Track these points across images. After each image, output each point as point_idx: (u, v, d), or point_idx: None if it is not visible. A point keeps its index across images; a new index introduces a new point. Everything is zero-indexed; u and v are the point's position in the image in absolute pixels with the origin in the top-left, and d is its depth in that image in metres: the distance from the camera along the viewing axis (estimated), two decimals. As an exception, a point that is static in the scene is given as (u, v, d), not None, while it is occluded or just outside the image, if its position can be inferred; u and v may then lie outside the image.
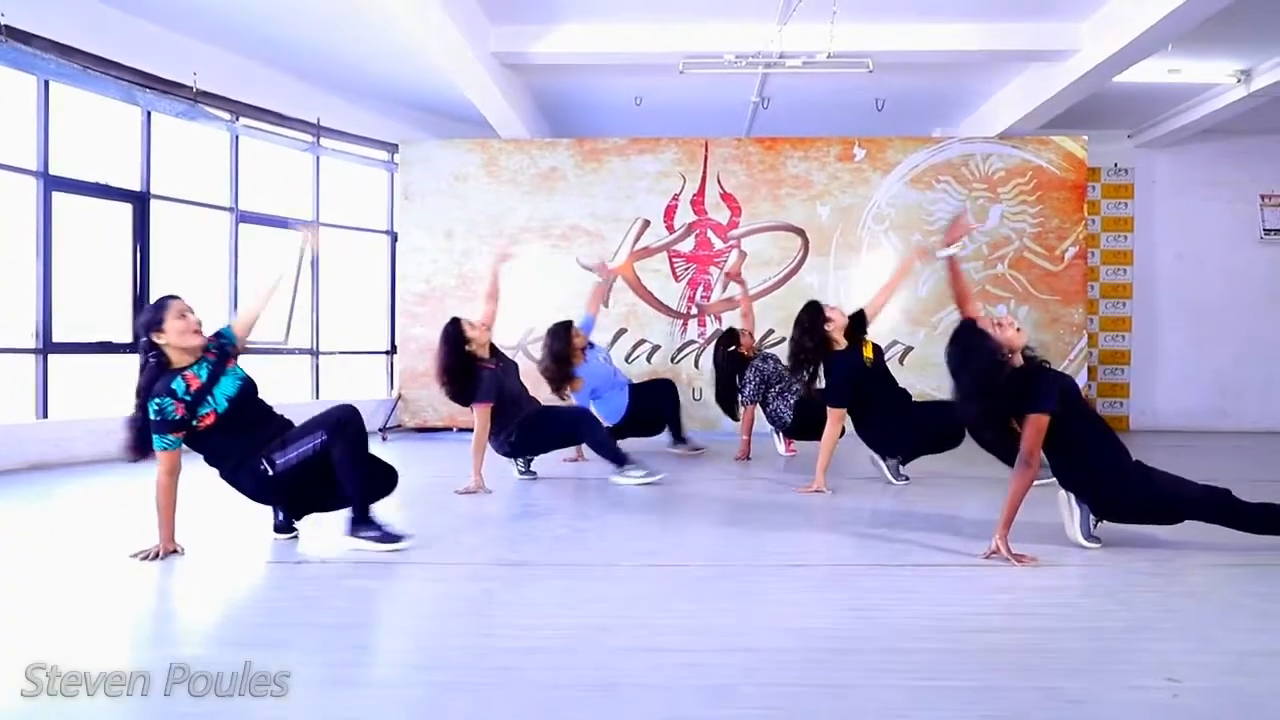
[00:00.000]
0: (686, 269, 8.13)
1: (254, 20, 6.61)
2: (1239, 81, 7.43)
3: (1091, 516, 3.54)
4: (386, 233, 8.83)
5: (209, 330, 3.46)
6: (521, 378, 5.34)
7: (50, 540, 3.81)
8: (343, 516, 3.51)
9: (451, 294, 8.10)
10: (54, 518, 4.47)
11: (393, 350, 8.70)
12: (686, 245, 8.13)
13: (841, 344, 5.06)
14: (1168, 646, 2.41)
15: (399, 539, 3.44)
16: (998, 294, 7.96)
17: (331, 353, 8.28)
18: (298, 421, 3.54)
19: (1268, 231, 9.06)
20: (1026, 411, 3.31)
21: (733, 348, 6.34)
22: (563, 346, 5.72)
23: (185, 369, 3.33)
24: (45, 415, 6.03)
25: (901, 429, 5.17)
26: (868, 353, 5.14)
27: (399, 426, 8.11)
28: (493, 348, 5.17)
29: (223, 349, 3.48)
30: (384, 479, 3.65)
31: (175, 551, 3.32)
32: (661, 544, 3.76)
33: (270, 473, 3.37)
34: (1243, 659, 2.33)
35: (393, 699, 2.06)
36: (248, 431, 3.41)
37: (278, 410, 3.60)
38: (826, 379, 5.07)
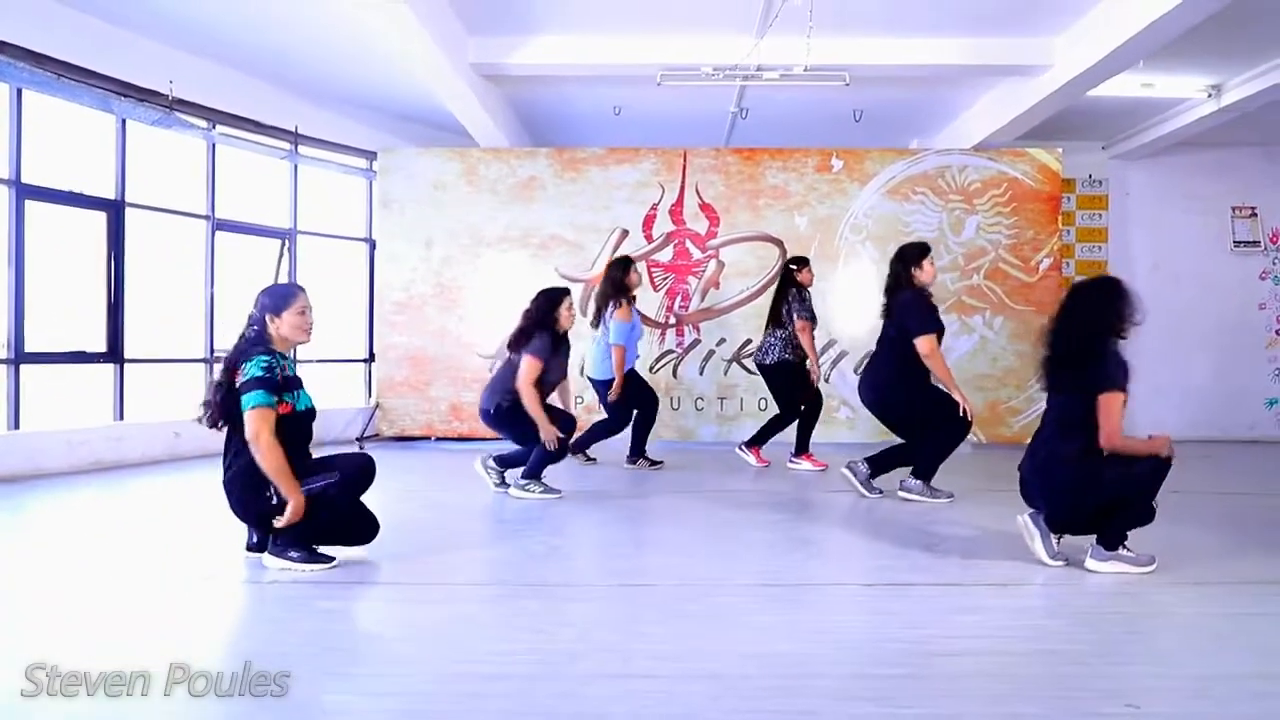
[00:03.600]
0: (665, 279, 8.14)
1: (231, 28, 6.55)
2: (1210, 96, 7.53)
3: (1052, 536, 3.58)
4: (365, 240, 8.80)
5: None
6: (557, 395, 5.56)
7: (27, 553, 3.77)
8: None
9: (431, 302, 8.08)
10: (26, 531, 4.42)
11: (370, 359, 8.66)
12: (665, 255, 8.14)
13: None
14: (1129, 671, 2.45)
15: (326, 560, 3.44)
16: (974, 305, 8.02)
17: (308, 360, 8.23)
18: None
19: (1238, 243, 9.18)
20: (1097, 389, 3.32)
21: (794, 266, 6.35)
22: (621, 275, 6.26)
23: (280, 355, 3.43)
24: (16, 426, 5.96)
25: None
26: None
27: (376, 435, 8.08)
28: (564, 337, 5.41)
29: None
30: (360, 528, 3.61)
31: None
32: (635, 563, 3.77)
33: (274, 500, 3.34)
34: (1203, 683, 2.36)
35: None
36: (291, 449, 3.37)
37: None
38: (905, 315, 5.00)
